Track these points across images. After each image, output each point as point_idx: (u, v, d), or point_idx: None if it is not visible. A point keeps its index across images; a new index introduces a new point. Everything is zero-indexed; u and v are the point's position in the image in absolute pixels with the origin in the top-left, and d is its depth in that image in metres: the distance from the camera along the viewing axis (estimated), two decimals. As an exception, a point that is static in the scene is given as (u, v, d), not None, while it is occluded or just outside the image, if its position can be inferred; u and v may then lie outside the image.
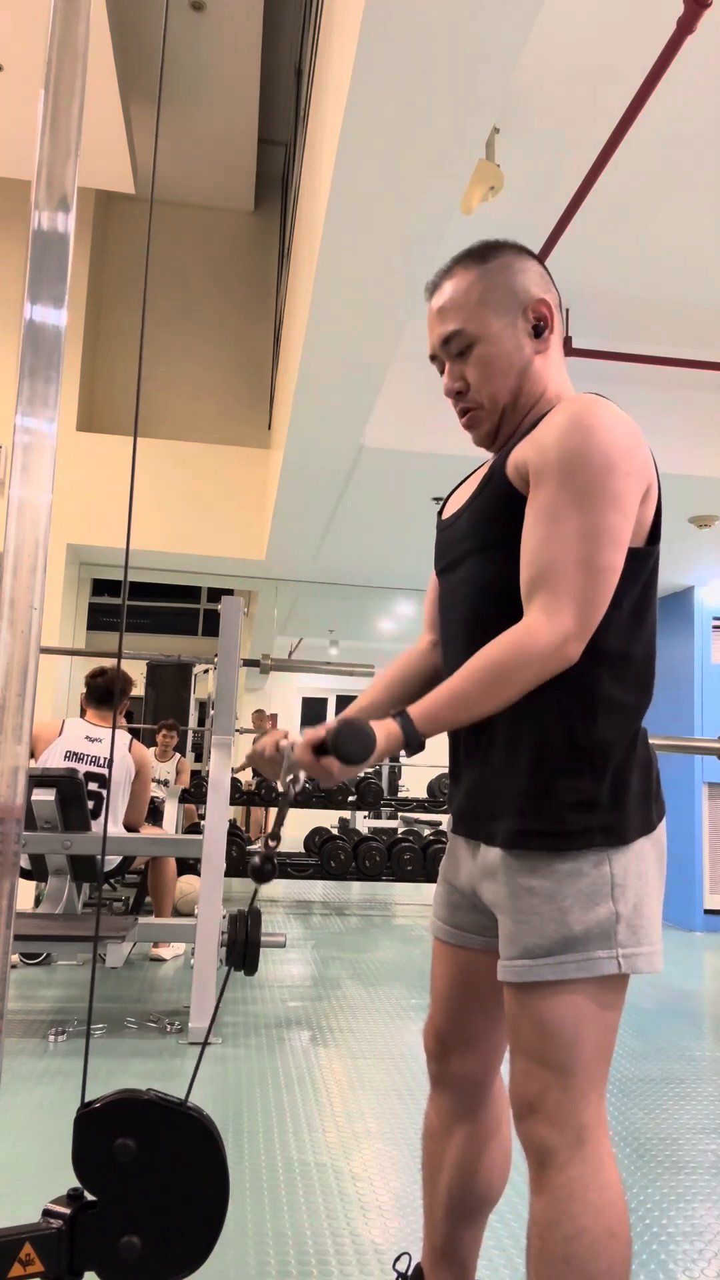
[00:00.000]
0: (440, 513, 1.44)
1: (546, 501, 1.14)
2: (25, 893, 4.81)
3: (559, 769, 1.15)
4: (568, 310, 3.76)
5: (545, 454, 1.16)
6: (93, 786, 3.75)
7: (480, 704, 1.11)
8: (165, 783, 6.37)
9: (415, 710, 1.12)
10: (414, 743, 1.12)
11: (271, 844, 1.18)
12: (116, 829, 3.85)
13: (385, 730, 1.10)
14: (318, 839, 6.99)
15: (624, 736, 1.17)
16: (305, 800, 7.09)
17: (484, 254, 1.27)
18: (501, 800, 1.20)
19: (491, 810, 1.21)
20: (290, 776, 1.17)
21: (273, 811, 10.93)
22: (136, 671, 9.42)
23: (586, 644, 1.13)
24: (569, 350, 3.72)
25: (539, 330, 1.27)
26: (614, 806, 1.15)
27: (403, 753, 1.14)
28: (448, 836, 1.40)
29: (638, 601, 1.20)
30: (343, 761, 1.09)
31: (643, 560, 1.19)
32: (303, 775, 1.19)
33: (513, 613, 1.18)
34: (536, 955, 1.12)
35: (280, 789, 1.20)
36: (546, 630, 1.10)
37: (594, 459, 1.13)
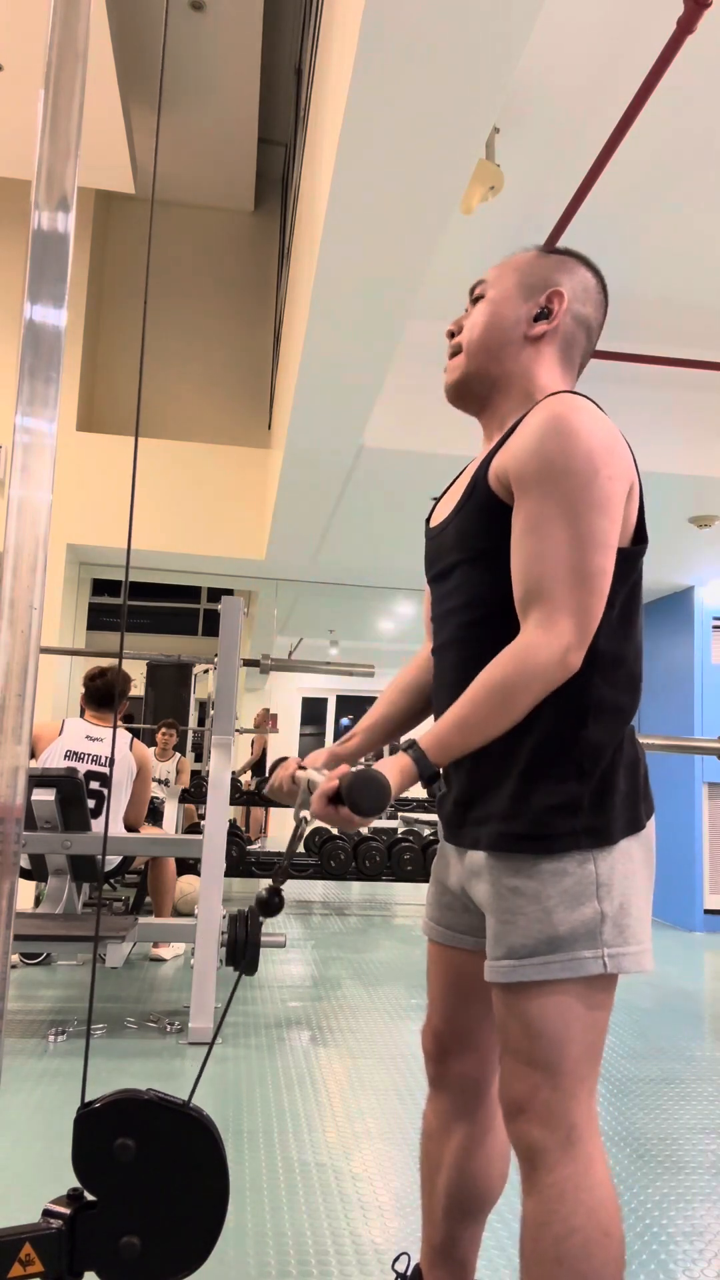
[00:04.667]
0: (429, 519, 1.44)
1: (532, 512, 1.14)
2: (25, 893, 4.81)
3: (547, 773, 1.15)
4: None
5: (525, 463, 1.16)
6: (94, 786, 3.75)
7: (489, 726, 1.11)
8: (165, 782, 6.36)
9: (426, 740, 1.13)
10: (428, 773, 1.13)
11: (279, 880, 1.17)
12: (117, 829, 3.85)
13: (399, 767, 1.11)
14: (318, 839, 6.99)
15: (614, 739, 1.17)
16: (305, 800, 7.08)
17: (552, 250, 1.35)
18: (488, 807, 1.20)
19: (479, 817, 1.22)
20: (304, 813, 1.18)
21: (272, 811, 10.92)
22: (136, 671, 9.42)
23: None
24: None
25: (540, 315, 1.30)
26: (598, 808, 1.15)
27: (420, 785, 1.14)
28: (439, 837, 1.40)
29: (626, 602, 1.20)
30: (357, 814, 1.08)
31: (631, 561, 1.19)
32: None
33: (504, 620, 1.18)
34: (521, 955, 1.12)
35: (296, 820, 1.21)
36: (546, 644, 1.10)
37: (576, 464, 1.12)
